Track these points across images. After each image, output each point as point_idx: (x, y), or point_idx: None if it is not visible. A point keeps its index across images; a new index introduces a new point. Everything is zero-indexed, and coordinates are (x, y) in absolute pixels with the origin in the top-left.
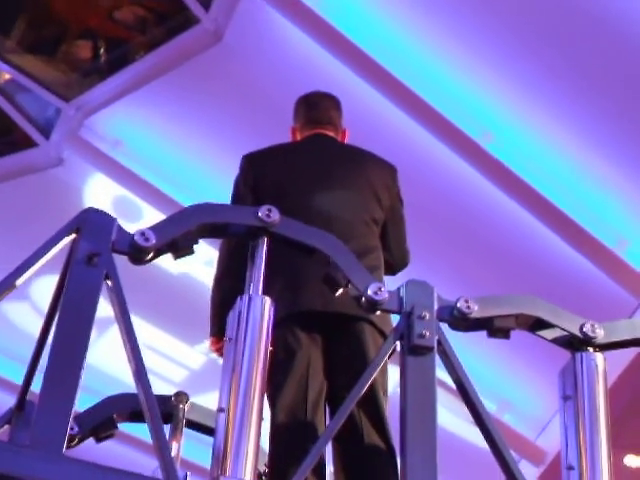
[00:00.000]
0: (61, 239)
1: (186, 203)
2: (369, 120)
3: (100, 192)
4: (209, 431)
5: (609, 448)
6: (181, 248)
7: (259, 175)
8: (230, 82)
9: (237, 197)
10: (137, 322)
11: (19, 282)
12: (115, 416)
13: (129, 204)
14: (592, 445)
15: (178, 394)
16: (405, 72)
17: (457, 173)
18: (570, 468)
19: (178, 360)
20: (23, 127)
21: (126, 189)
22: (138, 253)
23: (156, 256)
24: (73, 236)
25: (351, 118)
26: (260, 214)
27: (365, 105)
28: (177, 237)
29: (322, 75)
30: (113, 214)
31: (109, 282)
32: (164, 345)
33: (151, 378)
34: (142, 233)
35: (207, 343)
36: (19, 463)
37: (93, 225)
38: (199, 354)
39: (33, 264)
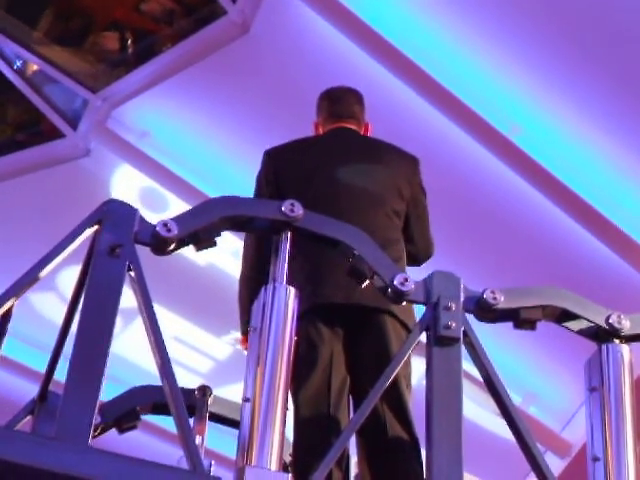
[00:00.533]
0: (83, 231)
1: (212, 194)
2: (395, 111)
3: (127, 183)
4: (233, 423)
5: (635, 439)
6: (203, 240)
7: (280, 170)
8: (257, 74)
9: (258, 192)
10: (163, 313)
11: (43, 274)
12: (138, 408)
13: (156, 195)
14: (618, 436)
15: (201, 387)
16: (432, 64)
17: (485, 165)
18: (596, 459)
19: (204, 351)
20: (51, 118)
21: (153, 180)
22: (160, 244)
23: (178, 247)
24: (95, 228)
25: (377, 108)
26: (284, 208)
27: (392, 96)
28: (199, 229)
29: (349, 66)
30: (139, 205)
31: (132, 273)
32: (190, 336)
33: (177, 369)
34: (164, 224)
35: (233, 334)
36: (45, 455)
37: (115, 216)
38: (225, 345)
39: (56, 256)
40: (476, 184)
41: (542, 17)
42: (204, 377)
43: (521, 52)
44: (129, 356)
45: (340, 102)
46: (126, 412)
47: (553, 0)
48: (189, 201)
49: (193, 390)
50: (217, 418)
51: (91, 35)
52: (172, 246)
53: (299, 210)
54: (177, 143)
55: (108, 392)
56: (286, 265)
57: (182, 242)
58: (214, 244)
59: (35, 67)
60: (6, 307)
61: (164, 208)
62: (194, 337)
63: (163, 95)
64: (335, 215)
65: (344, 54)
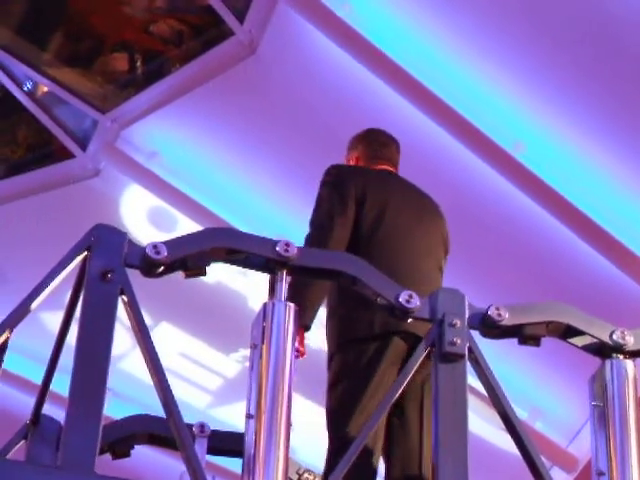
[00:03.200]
0: (74, 258)
1: (221, 214)
2: (400, 129)
3: (136, 203)
4: (233, 453)
5: (639, 454)
6: (192, 267)
7: (368, 192)
8: (265, 94)
9: (338, 202)
10: (172, 330)
11: (36, 304)
12: (134, 436)
13: (165, 215)
14: (622, 451)
15: (199, 424)
16: (438, 84)
17: (489, 182)
18: (600, 474)
19: (213, 368)
20: (60, 139)
21: (162, 200)
22: (149, 266)
23: (167, 271)
24: (85, 254)
25: (383, 127)
26: (278, 248)
27: (398, 115)
28: (189, 255)
29: (355, 86)
30: (148, 224)
31: (124, 297)
32: (199, 353)
33: (186, 386)
34: (154, 246)
35: (242, 352)
36: None
37: (104, 242)
38: (234, 362)
39: (48, 285)
40: (480, 201)
41: (545, 39)
42: (213, 394)
43: (524, 73)
44: (139, 374)
45: (388, 147)
46: (121, 439)
47: (554, 22)
48: (198, 220)
49: (191, 426)
50: (217, 451)
51: (100, 56)
52: (161, 269)
53: (293, 250)
54: (186, 163)
55: (119, 410)
56: (284, 314)
57: (171, 267)
58: (204, 273)
59: (45, 88)
60: (2, 339)
61: (173, 228)
62: (203, 355)
63: (172, 115)
64: (397, 258)
65: (350, 74)
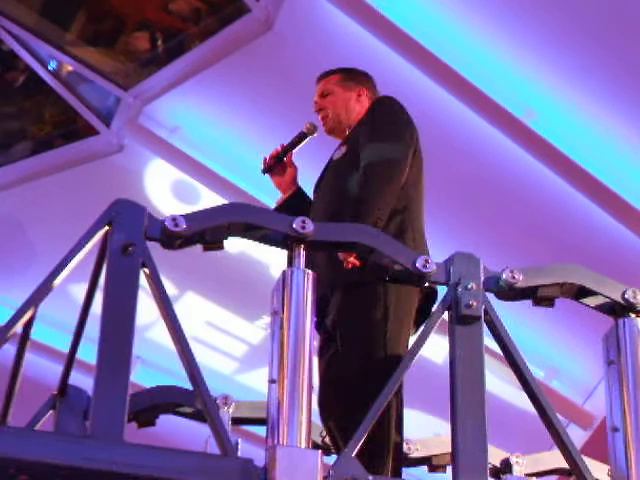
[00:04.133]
0: (95, 233)
1: (242, 185)
2: (416, 100)
3: (159, 176)
4: (257, 422)
5: None
6: (210, 241)
7: (416, 142)
8: (281, 68)
9: (410, 145)
10: (199, 300)
11: (58, 281)
12: (159, 406)
13: (187, 187)
14: (636, 407)
15: (223, 397)
16: (452, 56)
17: (502, 148)
18: (615, 429)
19: (238, 335)
20: (85, 116)
21: (184, 173)
22: (169, 238)
23: (186, 244)
24: (106, 229)
25: (399, 98)
26: (295, 225)
27: (413, 86)
28: (207, 229)
29: (371, 60)
30: (172, 197)
31: (146, 270)
32: (224, 321)
33: (213, 353)
34: (173, 218)
35: (265, 319)
36: (85, 454)
37: (125, 216)
38: (258, 329)
39: (71, 260)
40: (493, 166)
41: (555, 7)
42: (238, 360)
43: (535, 42)
44: (166, 343)
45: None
46: (146, 409)
47: None
48: (220, 192)
49: (215, 399)
50: (241, 421)
51: (122, 35)
52: (179, 241)
53: (310, 227)
54: (206, 137)
55: (147, 377)
56: (302, 281)
57: (190, 240)
58: (221, 247)
59: (69, 68)
60: (28, 315)
61: (196, 200)
62: (228, 322)
63: (192, 91)
64: (422, 219)
65: (366, 48)
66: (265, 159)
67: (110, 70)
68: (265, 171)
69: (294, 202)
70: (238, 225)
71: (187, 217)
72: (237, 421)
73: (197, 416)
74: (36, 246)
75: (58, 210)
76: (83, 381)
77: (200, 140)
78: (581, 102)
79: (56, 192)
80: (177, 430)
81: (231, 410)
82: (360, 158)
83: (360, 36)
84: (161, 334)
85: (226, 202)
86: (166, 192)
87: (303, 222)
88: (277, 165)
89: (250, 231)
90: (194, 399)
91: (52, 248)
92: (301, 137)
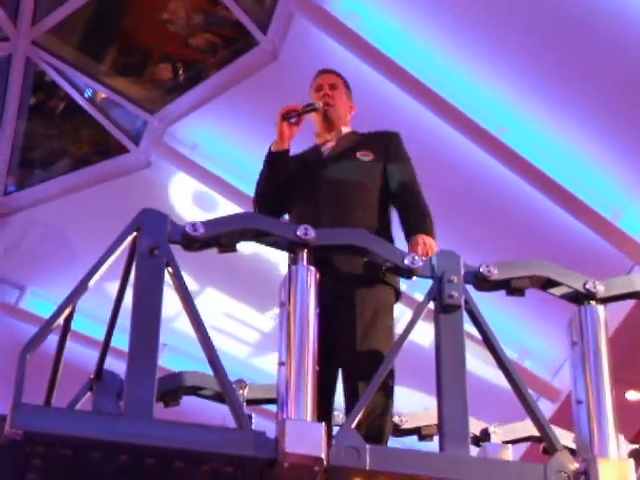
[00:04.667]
0: (125, 238)
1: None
2: (402, 120)
3: (182, 188)
4: (269, 402)
5: (612, 384)
6: (224, 244)
7: None
8: (286, 94)
9: None
10: (217, 294)
11: (94, 281)
12: (182, 388)
13: (207, 198)
14: (597, 382)
15: (238, 381)
16: (434, 79)
17: (476, 160)
18: (579, 402)
19: (252, 324)
20: (117, 137)
21: (204, 185)
22: (189, 241)
23: (204, 246)
24: (134, 234)
25: (389, 119)
26: (299, 233)
27: (400, 108)
28: (222, 234)
29: (363, 85)
30: (193, 206)
31: (170, 269)
32: (240, 312)
33: (229, 340)
34: (193, 224)
35: (275, 310)
36: (119, 430)
37: (150, 223)
38: (269, 319)
39: (105, 261)
40: (469, 175)
41: (526, 31)
42: (252, 346)
43: (507, 65)
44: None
45: None
46: (171, 390)
47: (532, 17)
48: (236, 202)
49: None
50: (255, 402)
51: (148, 67)
52: (198, 244)
53: (312, 233)
54: (223, 153)
55: (174, 362)
56: (306, 276)
57: (207, 243)
58: (235, 250)
59: (103, 95)
60: (68, 311)
61: (214, 208)
62: (243, 313)
63: (209, 114)
64: None
65: (360, 75)
66: (296, 108)
67: (138, 97)
68: (300, 114)
69: (286, 157)
70: (249, 231)
71: (205, 223)
72: (251, 402)
73: (216, 397)
74: (75, 249)
75: (94, 218)
76: (117, 366)
77: (217, 156)
78: (547, 118)
79: (92, 203)
80: (199, 408)
81: (245, 392)
82: (406, 184)
83: (355, 65)
84: (185, 324)
85: (240, 210)
86: (188, 202)
87: (306, 230)
88: (301, 116)
89: (259, 237)
90: (213, 382)
91: (89, 250)
92: (311, 109)
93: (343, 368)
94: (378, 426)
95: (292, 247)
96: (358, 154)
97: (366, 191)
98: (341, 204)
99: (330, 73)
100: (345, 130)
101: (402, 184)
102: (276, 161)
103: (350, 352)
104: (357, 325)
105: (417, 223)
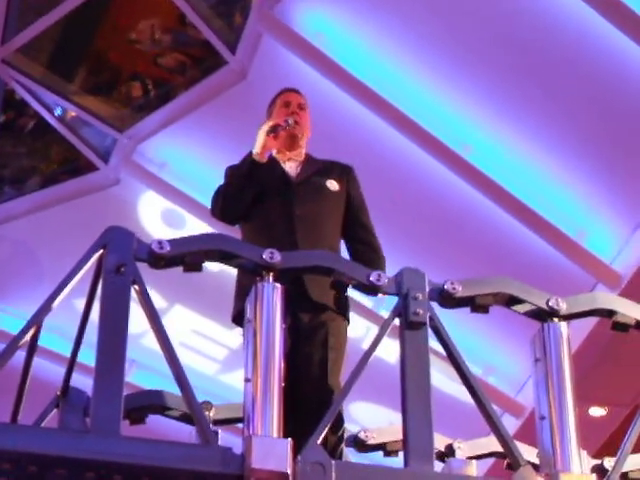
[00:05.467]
0: (92, 255)
1: None
2: (366, 139)
3: (151, 206)
4: (235, 421)
5: (575, 400)
6: (189, 263)
7: None
8: (254, 113)
9: None
10: (184, 311)
11: (60, 299)
12: (149, 407)
13: (175, 216)
14: (560, 398)
15: (204, 403)
16: (398, 98)
17: (441, 178)
18: (542, 418)
19: (219, 341)
20: (86, 154)
21: (173, 203)
22: (154, 259)
23: (169, 264)
24: (101, 252)
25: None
26: (264, 256)
27: (366, 127)
28: (188, 253)
29: (327, 103)
30: (162, 223)
31: (136, 287)
32: (208, 329)
33: (197, 357)
34: (159, 242)
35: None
36: (86, 447)
37: (117, 241)
38: (236, 335)
39: (71, 280)
40: (435, 193)
41: (489, 54)
42: (220, 363)
43: (471, 83)
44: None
45: None
46: (135, 409)
47: (497, 36)
48: (203, 219)
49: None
50: (221, 423)
51: (118, 85)
52: (164, 262)
53: (277, 257)
54: (191, 171)
55: (142, 378)
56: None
57: (172, 261)
58: (199, 269)
59: (72, 113)
60: (34, 329)
61: (183, 226)
62: (210, 330)
63: (178, 132)
64: None
65: (324, 93)
66: (280, 123)
67: (107, 115)
68: (283, 129)
69: (264, 168)
70: (214, 252)
71: (171, 241)
72: (217, 422)
73: (183, 418)
74: (44, 266)
75: (63, 235)
76: (84, 381)
77: (186, 174)
78: (512, 137)
79: (62, 220)
80: (165, 425)
81: (212, 413)
82: (365, 222)
83: (322, 84)
84: (153, 340)
85: (208, 227)
86: (157, 219)
87: (271, 253)
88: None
89: (225, 258)
90: (181, 403)
91: (58, 267)
92: (291, 125)
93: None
94: (333, 441)
95: (258, 270)
96: (327, 183)
97: (335, 219)
98: (315, 230)
99: (298, 93)
100: (303, 152)
101: (363, 224)
102: (255, 170)
103: (313, 382)
104: (329, 355)
105: (379, 266)
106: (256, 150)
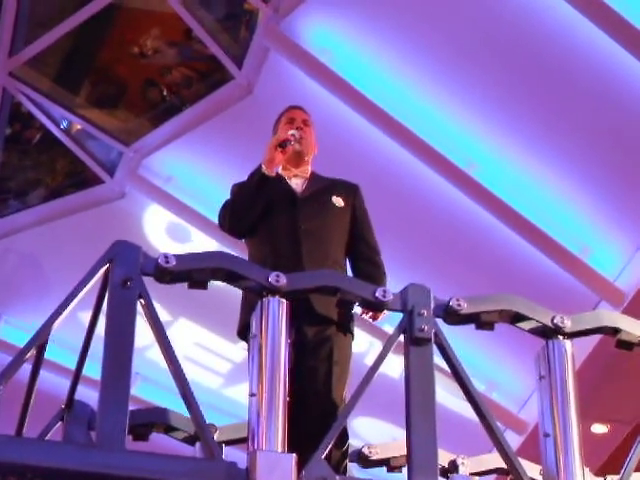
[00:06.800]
0: (98, 269)
1: None
2: (376, 158)
3: (156, 220)
4: (239, 441)
5: (578, 418)
6: (195, 280)
7: None
8: (260, 127)
9: None
10: (189, 324)
11: (67, 310)
12: (153, 425)
13: (180, 230)
14: (564, 416)
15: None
16: (407, 116)
17: (447, 195)
18: (546, 435)
19: (223, 355)
20: (92, 167)
21: (178, 217)
22: (161, 273)
23: (175, 279)
24: (107, 266)
25: (361, 155)
26: (270, 279)
27: (372, 144)
28: (194, 269)
29: (331, 117)
30: (167, 237)
31: (142, 301)
32: (212, 343)
33: (201, 370)
34: (165, 256)
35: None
36: (91, 460)
37: (123, 255)
38: (240, 349)
39: (78, 293)
40: (439, 212)
41: (496, 70)
42: (223, 377)
43: (478, 101)
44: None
45: None
46: (140, 425)
47: (505, 54)
48: (209, 233)
49: None
50: (225, 443)
51: (124, 99)
52: (169, 277)
53: (283, 280)
54: (196, 185)
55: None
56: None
57: (178, 276)
58: (205, 287)
59: (78, 127)
60: (41, 340)
61: (187, 239)
62: (215, 343)
63: (184, 146)
64: None
65: (330, 109)
66: (289, 138)
67: (113, 128)
68: (292, 143)
69: (272, 183)
70: (220, 271)
71: (177, 256)
72: (222, 443)
73: (187, 440)
74: (50, 279)
75: (69, 248)
76: (89, 395)
77: (191, 188)
78: (518, 154)
79: (67, 233)
80: (170, 438)
81: (216, 436)
82: (369, 240)
83: (328, 100)
84: (158, 353)
85: (213, 242)
86: (162, 233)
87: (277, 277)
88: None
89: (231, 278)
90: (186, 423)
91: (64, 280)
92: (297, 140)
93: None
94: (338, 456)
95: (263, 292)
96: (333, 199)
97: (340, 234)
98: (321, 245)
99: (302, 110)
100: (309, 169)
101: (367, 242)
102: (265, 184)
103: (318, 396)
104: (333, 369)
105: (380, 285)
106: (265, 164)
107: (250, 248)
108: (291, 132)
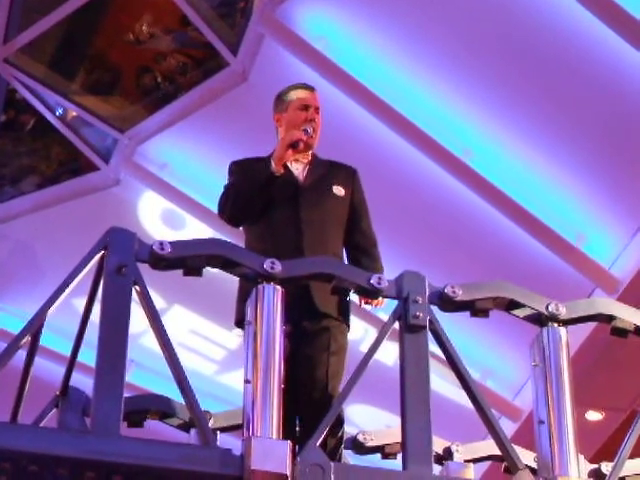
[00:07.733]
0: (93, 256)
1: None
2: (369, 143)
3: (151, 206)
4: (233, 428)
5: (573, 405)
6: (190, 267)
7: None
8: (255, 114)
9: None
10: (184, 311)
11: (62, 297)
12: (148, 411)
13: (175, 216)
14: (558, 403)
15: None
16: (404, 104)
17: (443, 183)
18: (541, 422)
19: (218, 342)
20: (87, 154)
21: (172, 203)
22: (156, 260)
23: (170, 266)
24: (102, 253)
25: (357, 142)
26: (265, 265)
27: (369, 132)
28: (189, 256)
29: (328, 107)
30: (162, 225)
31: (137, 288)
32: (206, 330)
33: (196, 357)
34: (160, 243)
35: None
36: (87, 447)
37: (118, 241)
38: (235, 336)
39: (73, 280)
40: (434, 198)
41: (490, 57)
42: (218, 363)
43: (473, 88)
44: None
45: None
46: (135, 412)
47: (499, 40)
48: (203, 220)
49: None
50: (220, 430)
51: (119, 86)
52: (165, 263)
53: (278, 267)
54: (191, 172)
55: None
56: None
57: (173, 263)
58: (200, 274)
59: (73, 113)
60: (36, 327)
61: (182, 226)
62: (209, 330)
63: (179, 133)
64: None
65: (325, 96)
66: (302, 137)
67: (108, 115)
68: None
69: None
70: (215, 258)
71: (172, 243)
72: (216, 430)
73: (181, 427)
74: (44, 265)
75: (63, 235)
76: (84, 381)
77: (186, 175)
78: (513, 141)
79: (62, 219)
80: (164, 425)
81: (211, 422)
82: (365, 229)
83: (323, 87)
84: (153, 340)
85: (207, 229)
86: (157, 220)
87: (272, 263)
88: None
89: (226, 265)
90: (180, 410)
91: (58, 267)
92: (307, 138)
93: (301, 395)
94: (333, 443)
95: (258, 279)
96: (334, 188)
97: (339, 224)
98: (322, 236)
99: (315, 92)
100: (310, 153)
101: (363, 231)
102: (273, 183)
103: (314, 385)
104: (330, 359)
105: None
106: (275, 162)
107: (249, 237)
108: (304, 128)
